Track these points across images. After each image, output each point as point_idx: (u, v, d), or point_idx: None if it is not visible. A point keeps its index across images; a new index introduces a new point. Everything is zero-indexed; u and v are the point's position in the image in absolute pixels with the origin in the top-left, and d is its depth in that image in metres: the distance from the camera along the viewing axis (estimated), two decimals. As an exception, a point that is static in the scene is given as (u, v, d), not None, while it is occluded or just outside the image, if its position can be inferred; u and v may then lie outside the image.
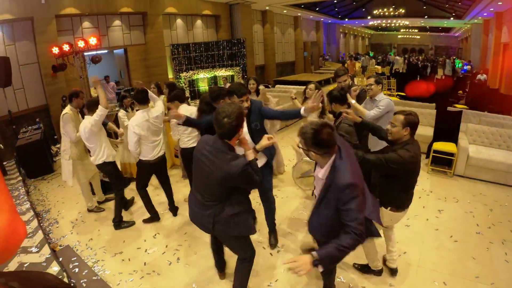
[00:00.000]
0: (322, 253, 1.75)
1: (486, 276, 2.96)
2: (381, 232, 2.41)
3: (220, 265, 2.96)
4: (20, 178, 5.24)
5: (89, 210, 4.29)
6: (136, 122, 3.46)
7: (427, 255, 3.28)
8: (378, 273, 2.97)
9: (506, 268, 3.07)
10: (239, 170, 2.00)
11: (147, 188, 3.87)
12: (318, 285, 2.83)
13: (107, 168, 3.80)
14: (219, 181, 2.07)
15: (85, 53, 7.89)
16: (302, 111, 2.76)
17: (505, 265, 3.11)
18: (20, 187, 4.82)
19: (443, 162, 5.23)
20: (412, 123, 2.43)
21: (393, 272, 2.98)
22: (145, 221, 3.97)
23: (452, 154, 5.11)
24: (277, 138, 4.88)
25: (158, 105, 3.85)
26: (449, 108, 6.76)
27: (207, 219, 2.21)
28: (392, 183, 2.48)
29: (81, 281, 2.79)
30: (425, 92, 8.51)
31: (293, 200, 4.32)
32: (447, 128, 5.33)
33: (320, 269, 1.74)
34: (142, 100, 3.52)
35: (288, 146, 6.11)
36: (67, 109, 3.85)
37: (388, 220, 2.66)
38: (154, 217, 3.98)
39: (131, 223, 3.94)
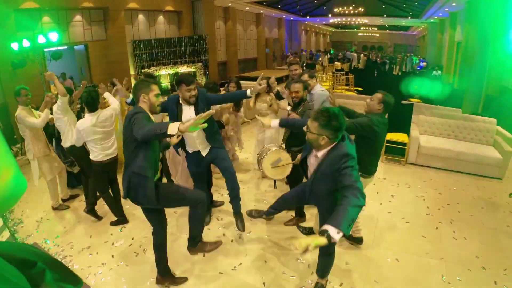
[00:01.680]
0: (336, 222, 1.78)
1: (436, 252, 3.30)
2: None
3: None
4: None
5: (54, 208, 4.28)
6: (82, 126, 3.48)
7: (381, 235, 3.59)
8: (358, 241, 3.36)
9: (454, 244, 3.45)
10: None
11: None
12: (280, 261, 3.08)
13: (76, 151, 3.89)
14: None
15: (46, 49, 7.64)
16: (248, 92, 3.08)
17: (453, 242, 3.48)
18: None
19: (397, 152, 5.68)
20: (386, 102, 2.82)
21: (359, 241, 3.31)
22: (112, 223, 3.90)
23: (404, 144, 5.55)
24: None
25: (112, 103, 3.85)
26: (403, 102, 7.27)
27: None
28: (359, 148, 2.56)
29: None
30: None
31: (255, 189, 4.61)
32: (400, 120, 5.76)
33: (338, 236, 1.75)
34: (92, 106, 3.51)
35: (250, 139, 6.31)
36: (18, 111, 3.78)
37: None
38: (121, 220, 3.91)
39: (99, 218, 3.99)
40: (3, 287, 0.81)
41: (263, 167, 3.17)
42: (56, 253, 3.40)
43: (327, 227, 1.78)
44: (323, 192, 2.30)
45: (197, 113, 3.03)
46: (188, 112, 3.13)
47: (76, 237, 3.70)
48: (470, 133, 5.58)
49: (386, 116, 2.96)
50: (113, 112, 3.72)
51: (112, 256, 3.34)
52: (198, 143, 3.24)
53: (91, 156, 3.66)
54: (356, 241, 3.35)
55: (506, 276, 2.97)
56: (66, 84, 8.42)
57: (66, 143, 3.94)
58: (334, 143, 2.15)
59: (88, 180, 3.98)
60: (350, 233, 3.29)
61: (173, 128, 2.03)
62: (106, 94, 4.03)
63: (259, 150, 3.94)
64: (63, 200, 4.43)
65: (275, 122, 2.69)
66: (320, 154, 2.20)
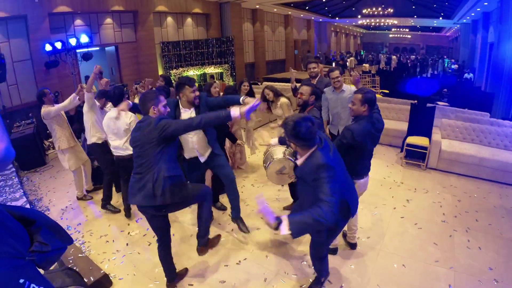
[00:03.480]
0: (293, 217, 1.85)
1: (446, 260, 3.17)
2: None
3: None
4: (13, 169, 5.50)
5: (79, 198, 4.56)
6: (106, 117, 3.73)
7: (390, 240, 3.50)
8: (352, 246, 3.32)
9: (467, 254, 3.27)
10: None
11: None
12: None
13: (95, 150, 4.12)
14: None
15: (78, 51, 8.13)
16: (241, 99, 3.05)
17: (466, 251, 3.31)
18: (14, 177, 5.08)
19: (417, 156, 5.53)
20: (369, 100, 2.71)
21: (353, 246, 3.30)
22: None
23: (425, 148, 5.38)
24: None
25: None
26: (429, 105, 7.07)
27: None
28: (347, 155, 2.63)
29: (68, 258, 3.07)
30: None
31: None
32: (422, 123, 5.61)
33: (286, 231, 1.78)
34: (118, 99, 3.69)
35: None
36: (43, 110, 4.05)
37: None
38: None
39: (117, 210, 4.19)
40: (8, 237, 1.08)
41: (268, 175, 3.11)
42: (77, 238, 3.65)
43: (284, 218, 1.83)
44: (309, 199, 2.18)
45: None
46: (187, 116, 3.08)
47: (96, 225, 3.94)
48: (496, 139, 5.34)
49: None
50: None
51: (127, 244, 3.54)
52: (197, 148, 3.22)
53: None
54: (350, 246, 3.34)
55: (519, 290, 2.83)
56: (102, 82, 8.78)
57: (87, 139, 4.16)
58: (311, 150, 2.10)
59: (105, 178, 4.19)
60: (346, 239, 3.33)
61: (235, 111, 2.29)
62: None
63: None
64: (88, 192, 4.71)
65: (275, 140, 2.92)
66: (299, 162, 2.20)
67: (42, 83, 7.61)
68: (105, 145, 4.12)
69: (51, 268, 2.71)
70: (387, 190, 4.62)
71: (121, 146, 3.68)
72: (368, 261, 3.20)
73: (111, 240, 3.63)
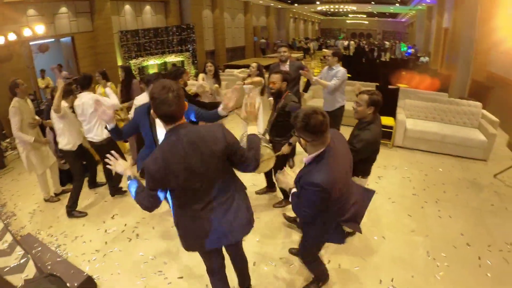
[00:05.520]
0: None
1: (421, 230, 3.43)
2: None
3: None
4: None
5: (46, 200, 4.28)
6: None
7: (367, 215, 3.51)
8: (352, 233, 3.32)
9: (439, 223, 3.57)
10: None
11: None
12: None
13: (68, 156, 3.90)
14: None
15: (31, 42, 7.51)
16: (220, 110, 2.54)
17: (438, 220, 3.61)
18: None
19: (384, 135, 5.76)
20: (376, 102, 2.58)
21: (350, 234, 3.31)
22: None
23: (391, 127, 5.65)
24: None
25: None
26: (390, 86, 7.36)
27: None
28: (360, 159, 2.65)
29: (46, 264, 2.88)
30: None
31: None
32: (387, 104, 5.83)
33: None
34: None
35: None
36: (14, 102, 3.75)
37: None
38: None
39: (84, 214, 3.94)
40: None
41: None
42: (50, 242, 3.43)
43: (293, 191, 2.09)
44: None
45: None
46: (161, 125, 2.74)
47: (69, 226, 3.73)
48: (456, 117, 5.70)
49: None
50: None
51: (106, 242, 3.39)
52: None
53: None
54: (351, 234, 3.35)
55: (490, 252, 3.10)
56: (62, 76, 8.23)
57: (59, 144, 3.88)
58: (321, 150, 1.91)
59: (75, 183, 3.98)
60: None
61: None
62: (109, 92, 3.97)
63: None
64: (56, 195, 4.40)
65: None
66: (306, 160, 1.99)
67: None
68: (79, 149, 3.93)
69: (31, 276, 2.57)
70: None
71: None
72: (349, 237, 3.32)
73: (88, 240, 3.45)
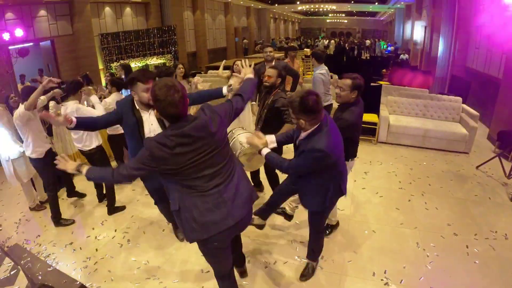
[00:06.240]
0: (270, 153, 2.28)
1: (410, 222, 3.53)
2: None
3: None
4: None
5: (31, 209, 4.16)
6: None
7: (356, 210, 3.78)
8: (336, 226, 3.40)
9: (426, 214, 3.69)
10: None
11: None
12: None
13: (37, 164, 3.67)
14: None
15: (10, 47, 7.29)
16: (224, 90, 2.62)
17: (425, 212, 3.72)
18: None
19: (367, 132, 5.90)
20: (359, 86, 2.65)
21: (336, 226, 3.41)
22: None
23: (375, 124, 5.77)
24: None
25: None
26: (372, 84, 7.50)
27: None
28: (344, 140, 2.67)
29: (36, 275, 2.81)
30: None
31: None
32: (370, 101, 5.95)
33: (264, 153, 2.29)
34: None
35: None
36: None
37: (347, 169, 3.00)
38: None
39: (70, 222, 3.84)
40: None
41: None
42: (39, 252, 3.33)
43: (265, 149, 2.30)
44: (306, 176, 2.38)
45: (160, 121, 2.58)
46: (149, 120, 2.60)
47: (58, 234, 3.64)
48: (437, 112, 5.87)
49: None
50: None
51: (96, 249, 3.32)
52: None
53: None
54: (335, 227, 3.43)
55: (476, 240, 3.22)
56: (43, 81, 7.99)
57: (26, 153, 3.66)
58: (317, 125, 2.12)
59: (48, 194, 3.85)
60: (328, 222, 3.29)
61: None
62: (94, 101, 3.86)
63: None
64: (41, 203, 4.27)
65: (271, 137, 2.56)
66: (304, 134, 2.20)
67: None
68: (48, 155, 3.65)
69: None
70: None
71: None
72: (341, 231, 3.42)
73: (78, 248, 3.37)
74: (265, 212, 2.94)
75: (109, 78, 5.11)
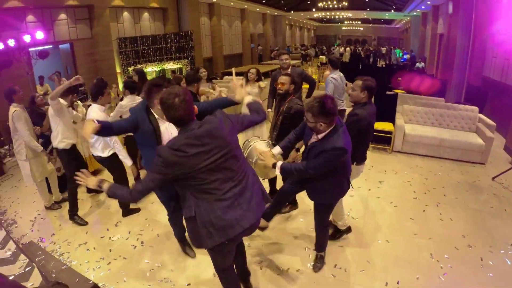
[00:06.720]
0: (283, 164, 2.44)
1: (424, 233, 3.47)
2: None
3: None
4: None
5: (47, 208, 4.25)
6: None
7: (370, 219, 3.74)
8: (347, 231, 3.39)
9: (440, 225, 3.61)
10: None
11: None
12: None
13: (62, 156, 3.82)
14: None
15: (30, 49, 7.52)
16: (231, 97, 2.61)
17: (439, 223, 3.65)
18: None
19: (383, 141, 5.84)
20: (369, 87, 2.82)
21: (348, 230, 3.40)
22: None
23: (390, 133, 5.71)
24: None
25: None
26: (388, 92, 7.46)
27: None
28: (353, 138, 2.75)
29: (50, 273, 2.87)
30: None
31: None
32: (385, 109, 5.92)
33: (277, 171, 2.45)
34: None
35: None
36: (15, 107, 3.73)
37: (355, 174, 3.05)
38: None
39: (84, 223, 3.90)
40: None
41: (257, 170, 2.91)
42: (53, 250, 3.40)
43: (279, 163, 2.45)
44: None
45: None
46: (169, 129, 2.58)
47: (72, 234, 3.71)
48: (453, 121, 5.77)
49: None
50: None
51: (110, 250, 3.37)
52: None
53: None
54: (346, 231, 3.41)
55: (491, 253, 3.14)
56: (62, 83, 8.25)
57: (53, 144, 3.82)
58: (332, 127, 2.30)
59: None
60: (339, 227, 3.35)
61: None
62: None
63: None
64: (56, 203, 4.35)
65: (277, 148, 2.76)
66: (321, 136, 2.36)
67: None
68: (73, 150, 3.88)
69: (37, 285, 2.55)
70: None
71: None
72: (354, 240, 3.38)
73: (91, 248, 3.43)
74: (269, 215, 3.08)
75: (124, 81, 5.24)
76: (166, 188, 2.77)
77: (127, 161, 3.55)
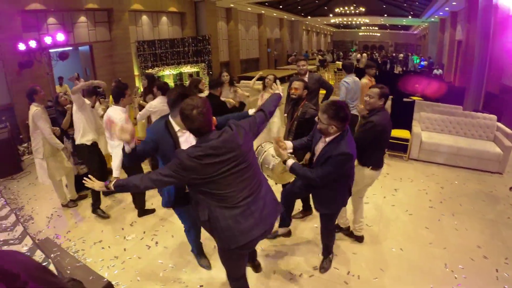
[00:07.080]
0: (295, 164, 2.49)
1: (439, 242, 3.42)
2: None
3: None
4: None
5: (63, 205, 4.36)
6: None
7: (385, 227, 3.70)
8: (347, 230, 3.45)
9: (456, 235, 3.55)
10: None
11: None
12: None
13: (83, 151, 3.96)
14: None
15: (51, 50, 7.76)
16: (251, 112, 2.61)
17: (455, 233, 3.59)
18: (-10, 186, 4.79)
19: (399, 148, 5.76)
20: (386, 95, 2.94)
21: (360, 239, 3.40)
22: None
23: (406, 140, 5.64)
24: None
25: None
26: (405, 99, 7.36)
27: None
28: (369, 145, 2.91)
29: (65, 269, 2.93)
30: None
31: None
32: (402, 117, 5.86)
33: (288, 167, 2.50)
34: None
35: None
36: (36, 106, 3.84)
37: (369, 179, 3.09)
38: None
39: (106, 216, 4.03)
40: None
41: (274, 175, 2.96)
42: (68, 247, 3.49)
43: (291, 160, 2.51)
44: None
45: None
46: (189, 139, 2.46)
47: (88, 232, 3.80)
48: (471, 129, 5.66)
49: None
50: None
51: (124, 249, 3.43)
52: None
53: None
54: (357, 239, 3.43)
55: (507, 265, 3.06)
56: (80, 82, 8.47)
57: (76, 139, 3.98)
58: (341, 132, 2.39)
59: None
60: (352, 230, 3.45)
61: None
62: None
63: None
64: (72, 201, 4.45)
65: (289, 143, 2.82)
66: (328, 139, 2.45)
67: (14, 84, 7.15)
68: (95, 146, 4.00)
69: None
70: (375, 181, 4.79)
71: None
72: (368, 247, 3.36)
73: (106, 246, 3.51)
74: (285, 220, 3.12)
75: (156, 83, 5.20)
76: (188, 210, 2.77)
77: (116, 172, 3.32)
